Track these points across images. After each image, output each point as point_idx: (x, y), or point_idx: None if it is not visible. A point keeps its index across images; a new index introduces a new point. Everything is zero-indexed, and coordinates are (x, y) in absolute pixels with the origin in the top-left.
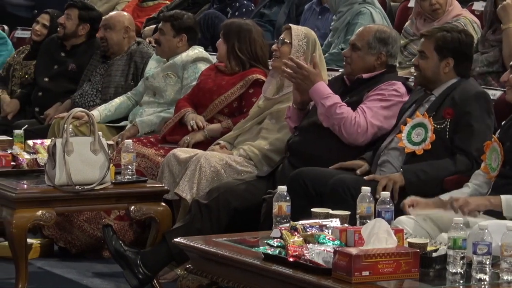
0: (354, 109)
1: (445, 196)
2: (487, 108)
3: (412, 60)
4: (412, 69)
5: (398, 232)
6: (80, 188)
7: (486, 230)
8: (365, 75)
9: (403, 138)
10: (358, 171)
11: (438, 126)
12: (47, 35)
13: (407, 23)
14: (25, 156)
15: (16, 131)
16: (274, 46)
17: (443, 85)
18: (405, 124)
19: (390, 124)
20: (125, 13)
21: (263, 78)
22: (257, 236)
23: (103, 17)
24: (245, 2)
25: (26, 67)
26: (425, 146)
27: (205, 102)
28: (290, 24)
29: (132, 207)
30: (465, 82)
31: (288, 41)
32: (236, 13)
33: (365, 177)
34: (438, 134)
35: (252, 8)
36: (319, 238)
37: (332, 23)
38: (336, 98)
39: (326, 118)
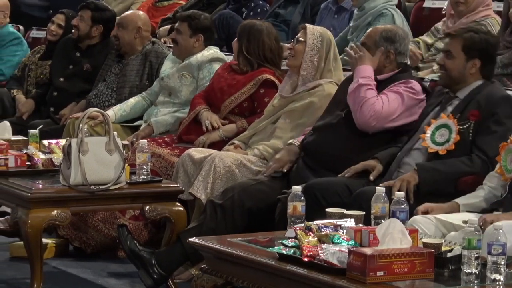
0: None
1: (462, 200)
2: (511, 112)
3: (436, 58)
4: (435, 66)
5: (413, 232)
6: (95, 188)
7: (501, 231)
8: (379, 77)
9: (426, 138)
10: (371, 177)
11: (462, 127)
12: (62, 35)
13: (438, 23)
14: (40, 156)
15: (32, 131)
16: (289, 45)
17: (468, 87)
18: (429, 125)
19: (402, 118)
20: (141, 14)
21: (272, 78)
22: (271, 236)
23: (119, 16)
24: (260, 2)
25: (42, 67)
26: (449, 147)
27: (216, 102)
28: (306, 24)
29: (147, 207)
30: (491, 85)
31: (303, 40)
32: (251, 13)
33: (380, 185)
34: (461, 135)
35: (267, 8)
36: (333, 238)
37: (352, 21)
38: (371, 83)
39: (352, 95)
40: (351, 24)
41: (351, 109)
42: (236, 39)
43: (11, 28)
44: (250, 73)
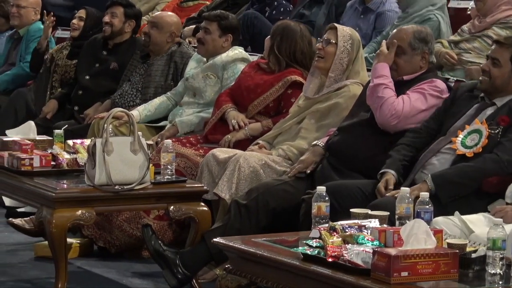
0: None
1: None
2: None
3: (481, 65)
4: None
5: (437, 232)
6: (119, 188)
7: None
8: (406, 77)
9: (457, 141)
10: (388, 194)
11: (492, 132)
12: (83, 28)
13: (464, 25)
14: (65, 156)
15: (56, 131)
16: (318, 45)
17: (508, 96)
18: (463, 130)
19: (424, 117)
20: (176, 18)
21: (301, 79)
22: (296, 236)
23: (154, 15)
24: (283, 1)
25: (67, 65)
26: (476, 150)
27: (243, 101)
28: (336, 24)
29: (172, 207)
30: None
31: (334, 41)
32: (274, 12)
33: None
34: (490, 140)
35: (290, 8)
36: (358, 238)
37: (396, 20)
38: (387, 81)
39: (370, 95)
40: (396, 22)
41: (371, 109)
42: (269, 36)
43: (41, 25)
44: (278, 73)
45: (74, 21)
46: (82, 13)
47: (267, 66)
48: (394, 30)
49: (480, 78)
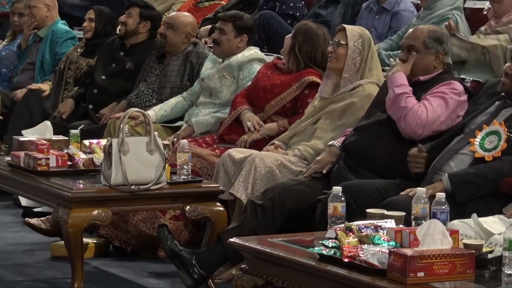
0: None
1: None
2: None
3: (504, 67)
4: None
5: (454, 233)
6: (135, 188)
7: None
8: (422, 78)
9: (476, 143)
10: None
11: (510, 134)
12: (95, 28)
13: (482, 27)
14: (81, 156)
15: (73, 131)
16: (329, 48)
17: None
18: (481, 130)
19: (447, 123)
20: (191, 18)
21: (318, 80)
22: (312, 237)
23: (169, 15)
24: None
25: (79, 62)
26: (495, 154)
27: (259, 101)
28: (344, 25)
29: (188, 207)
30: None
31: (344, 43)
32: (283, 7)
33: (401, 193)
34: (508, 143)
35: (301, 4)
36: (374, 238)
37: (415, 18)
38: (408, 90)
39: (392, 105)
40: (414, 21)
41: (393, 119)
42: (290, 35)
43: (64, 25)
44: (295, 73)
45: (85, 23)
46: (91, 14)
47: (285, 66)
48: (410, 30)
49: (502, 79)
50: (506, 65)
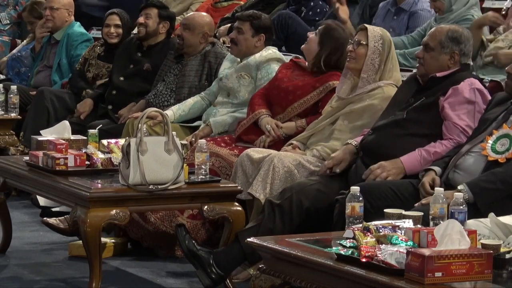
0: (430, 110)
1: None
2: None
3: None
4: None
5: (471, 233)
6: (154, 188)
7: None
8: (439, 74)
9: (487, 147)
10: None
11: None
12: (123, 34)
13: (500, 27)
14: (99, 156)
15: (91, 131)
16: (349, 47)
17: None
18: (491, 135)
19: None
20: (208, 18)
21: None
22: (329, 236)
23: (185, 16)
24: (320, 2)
25: (100, 67)
26: (508, 155)
27: (280, 101)
28: (366, 25)
29: (206, 206)
30: None
31: (364, 43)
32: (310, 13)
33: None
34: None
35: (327, 9)
36: (392, 239)
37: (433, 20)
38: (424, 154)
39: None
40: (433, 23)
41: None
42: (315, 37)
43: (80, 28)
44: (319, 76)
45: (112, 29)
46: (116, 19)
47: (309, 66)
48: (432, 29)
49: (506, 81)
50: (508, 66)
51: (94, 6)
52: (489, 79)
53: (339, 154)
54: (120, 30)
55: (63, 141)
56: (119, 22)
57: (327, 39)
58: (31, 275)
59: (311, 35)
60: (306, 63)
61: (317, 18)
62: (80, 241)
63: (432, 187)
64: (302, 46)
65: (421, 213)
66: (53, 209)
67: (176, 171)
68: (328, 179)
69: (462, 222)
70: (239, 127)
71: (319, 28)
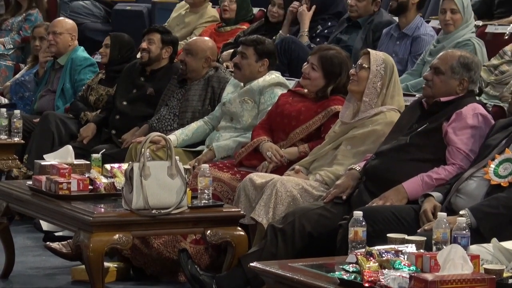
0: (433, 135)
1: None
2: None
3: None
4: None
5: (474, 258)
6: (157, 212)
7: None
8: (443, 99)
9: (490, 171)
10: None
11: None
12: (110, 54)
13: (506, 46)
14: (102, 180)
15: (94, 155)
16: (352, 71)
17: None
18: (493, 160)
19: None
20: (210, 42)
21: None
22: (332, 261)
23: (187, 41)
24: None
25: (100, 91)
26: (511, 179)
27: (284, 127)
28: (369, 49)
29: (209, 231)
30: None
31: (367, 66)
32: (314, 35)
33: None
34: None
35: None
36: (394, 263)
37: (435, 42)
38: (426, 180)
39: (427, 189)
40: (433, 46)
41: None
42: (316, 70)
43: (84, 52)
44: (321, 101)
45: (101, 49)
46: (107, 40)
47: (309, 91)
48: (444, 51)
49: (507, 107)
50: (500, 93)
51: (97, 31)
52: (492, 104)
53: (344, 181)
54: (108, 51)
55: (66, 166)
56: (108, 42)
57: (331, 68)
58: None
59: (311, 71)
60: (305, 90)
61: (318, 39)
62: (83, 266)
63: (434, 214)
64: (300, 80)
65: (424, 238)
66: (56, 234)
67: (179, 196)
68: (331, 204)
69: (465, 247)
70: (238, 154)
71: (318, 60)
